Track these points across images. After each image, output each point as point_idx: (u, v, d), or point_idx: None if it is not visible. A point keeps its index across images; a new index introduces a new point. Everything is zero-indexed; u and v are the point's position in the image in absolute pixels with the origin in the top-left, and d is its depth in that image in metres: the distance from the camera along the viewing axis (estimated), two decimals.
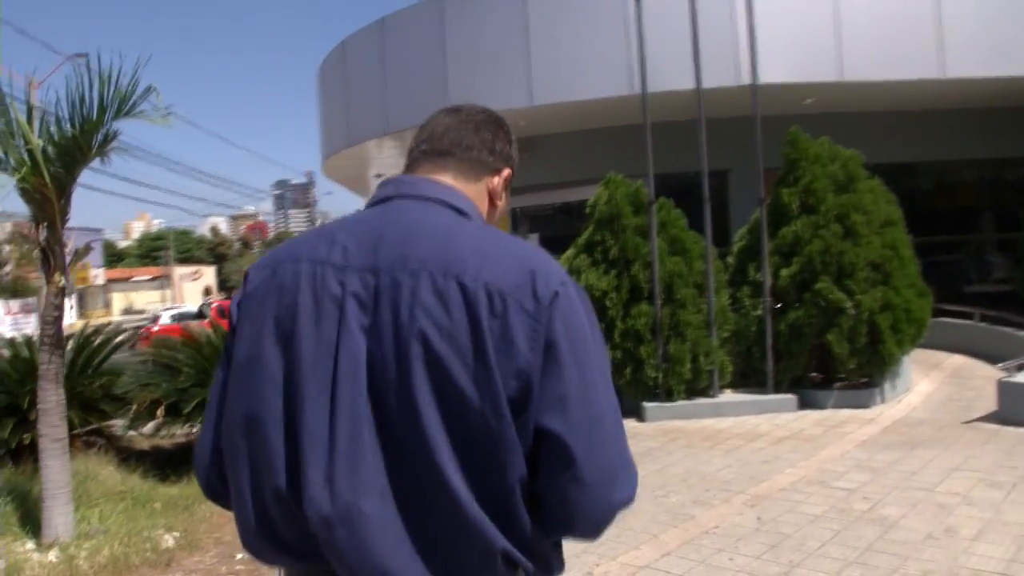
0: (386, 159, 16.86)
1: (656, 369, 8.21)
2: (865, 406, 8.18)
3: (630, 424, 8.03)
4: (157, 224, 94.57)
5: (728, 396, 8.43)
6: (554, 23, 10.84)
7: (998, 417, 7.26)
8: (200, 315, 28.09)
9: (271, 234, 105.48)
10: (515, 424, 1.15)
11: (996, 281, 14.56)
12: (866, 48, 10.38)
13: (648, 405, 8.20)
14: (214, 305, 30.41)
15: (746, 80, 9.52)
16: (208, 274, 75.39)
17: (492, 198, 1.48)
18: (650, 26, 9.35)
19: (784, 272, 8.39)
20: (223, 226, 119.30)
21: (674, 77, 9.94)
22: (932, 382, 9.20)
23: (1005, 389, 7.27)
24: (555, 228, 14.75)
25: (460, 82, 11.59)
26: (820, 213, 8.45)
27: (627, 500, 1.21)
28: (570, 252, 9.17)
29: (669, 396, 8.24)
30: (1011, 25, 10.64)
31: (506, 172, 1.49)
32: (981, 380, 9.18)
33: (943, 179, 14.72)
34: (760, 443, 6.89)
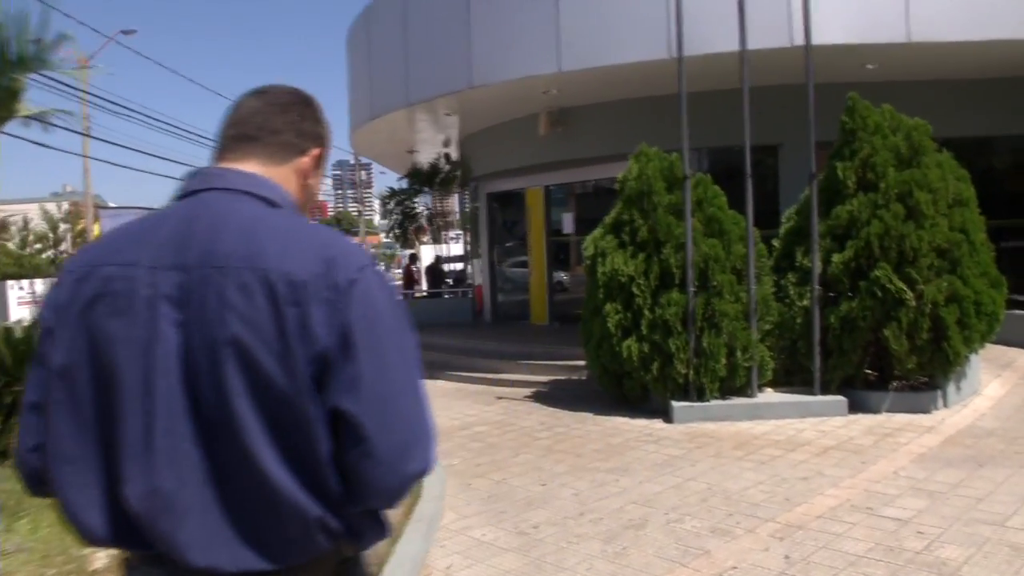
0: (416, 132, 16.24)
1: (687, 365, 7.48)
2: (925, 411, 7.33)
3: (655, 426, 7.32)
4: None
5: (768, 396, 7.65)
6: None
7: None
8: None
9: (331, 214, 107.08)
10: (320, 403, 1.26)
11: None
12: (937, 4, 9.35)
13: (677, 405, 7.47)
14: None
15: (799, 41, 8.64)
16: None
17: (304, 179, 1.51)
18: None
19: (836, 257, 7.55)
20: None
21: (717, 38, 9.11)
22: (1004, 384, 8.27)
23: None
24: (591, 208, 13.99)
25: (484, 48, 10.86)
26: (880, 191, 7.58)
27: (420, 472, 1.32)
28: (597, 232, 8.46)
29: (701, 395, 7.50)
30: None
31: (315, 151, 1.52)
32: None
33: (1020, 156, 13.54)
34: (800, 454, 6.12)
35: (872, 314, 7.30)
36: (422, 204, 19.00)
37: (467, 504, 5.37)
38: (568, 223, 14.59)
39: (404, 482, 1.31)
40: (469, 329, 15.09)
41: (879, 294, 7.24)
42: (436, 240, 23.79)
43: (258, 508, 1.27)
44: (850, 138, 8.00)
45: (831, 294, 7.61)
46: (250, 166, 1.43)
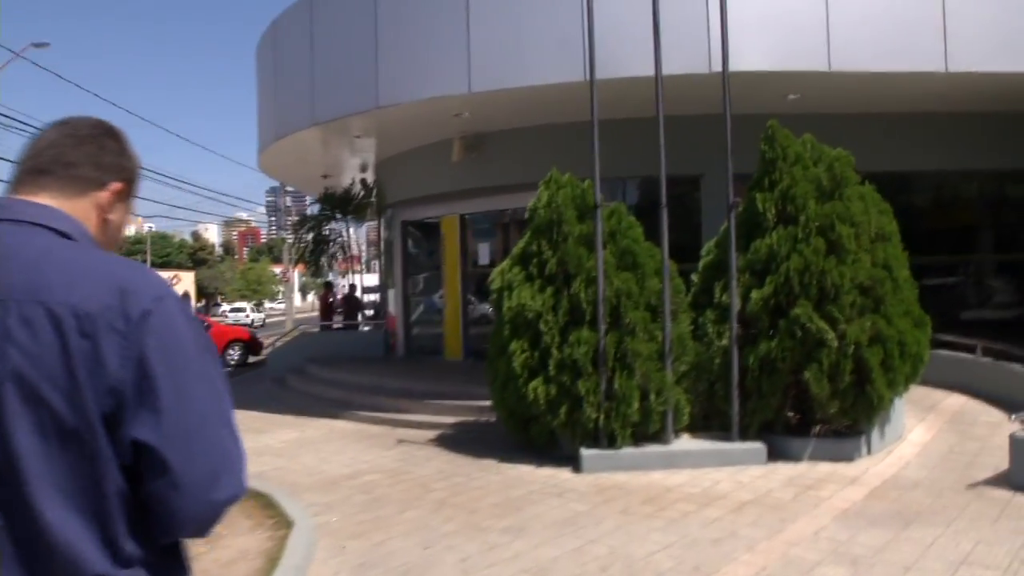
0: (329, 155, 15.57)
1: (597, 409, 6.96)
2: (848, 459, 6.96)
3: (561, 476, 6.76)
4: (148, 228, 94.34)
5: (684, 443, 7.18)
6: (497, 1, 9.59)
7: (1010, 481, 6.05)
8: None
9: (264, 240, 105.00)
10: (113, 439, 1.24)
11: (998, 307, 13.44)
12: (859, 35, 9.19)
13: (586, 453, 6.93)
14: None
15: (717, 67, 8.31)
16: (187, 280, 74.89)
17: (103, 213, 1.46)
18: (602, 1, 8.15)
19: (755, 294, 7.16)
20: (214, 232, 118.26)
21: (633, 62, 8.75)
22: (928, 428, 7.98)
23: (1020, 447, 6.04)
24: (509, 238, 13.52)
25: (392, 66, 10.32)
26: (800, 224, 7.23)
27: (230, 500, 1.32)
28: (504, 264, 7.93)
29: (612, 442, 6.98)
30: (1018, 16, 9.49)
31: (116, 186, 1.47)
32: (985, 427, 7.98)
33: (941, 192, 13.58)
34: (715, 509, 5.62)
35: (792, 355, 6.91)
36: (336, 231, 18.25)
37: (335, 573, 4.70)
38: (485, 253, 14.09)
39: (214, 511, 1.31)
40: (379, 364, 14.39)
41: (799, 334, 6.86)
42: (368, 269, 23.06)
43: (39, 560, 1.23)
44: (770, 168, 7.67)
45: (751, 332, 7.20)
46: (43, 198, 1.40)
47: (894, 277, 7.10)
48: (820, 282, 6.93)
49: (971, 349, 9.59)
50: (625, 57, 8.86)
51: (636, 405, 6.94)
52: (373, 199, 17.33)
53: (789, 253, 7.13)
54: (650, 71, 7.74)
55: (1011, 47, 9.43)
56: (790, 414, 7.41)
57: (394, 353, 15.96)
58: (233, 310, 60.17)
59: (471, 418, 9.66)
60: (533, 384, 7.18)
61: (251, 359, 21.17)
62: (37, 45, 34.01)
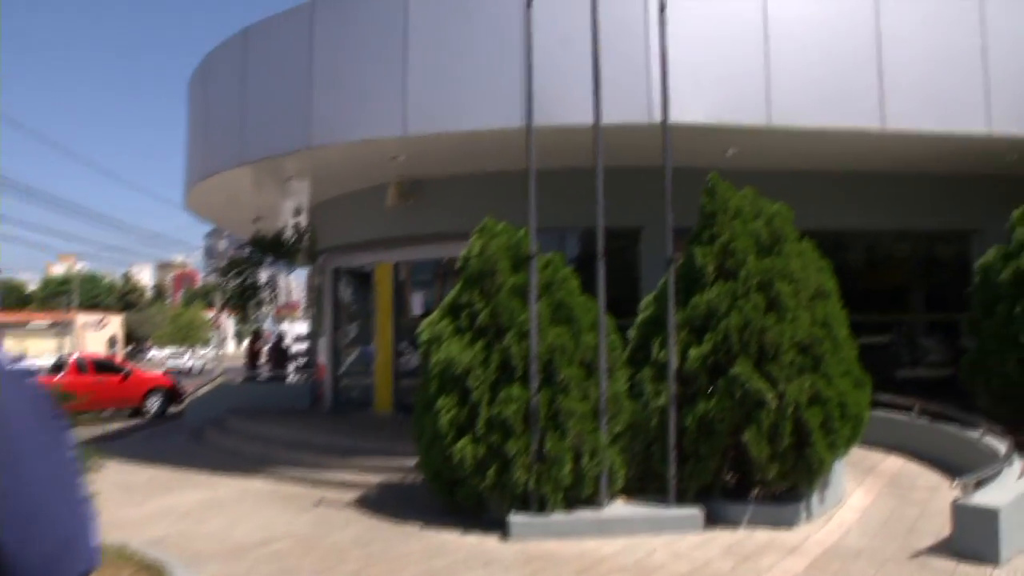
0: (261, 197, 15.09)
1: (528, 471, 6.60)
2: (788, 524, 6.70)
3: (487, 545, 6.35)
4: (80, 267, 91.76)
5: (619, 509, 6.84)
6: (436, 41, 9.39)
7: (952, 549, 5.84)
8: (57, 369, 25.15)
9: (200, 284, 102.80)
10: None
11: (931, 367, 13.53)
12: (798, 92, 9.22)
13: (516, 519, 6.54)
14: (74, 358, 27.59)
15: (657, 118, 8.20)
16: (115, 323, 72.59)
17: None
18: (544, 47, 8.02)
19: (694, 352, 6.93)
20: (148, 274, 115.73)
21: (573, 109, 8.60)
22: (868, 492, 7.79)
23: (962, 514, 5.85)
24: (443, 288, 13.17)
25: (326, 106, 10.01)
26: (740, 279, 7.06)
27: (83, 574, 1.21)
28: (434, 315, 7.58)
29: (543, 507, 6.62)
30: (956, 77, 9.65)
31: None
32: (925, 491, 7.82)
33: (874, 251, 13.73)
34: None
35: (731, 415, 6.67)
36: (266, 276, 17.65)
37: None
38: (419, 303, 13.71)
39: None
40: (304, 418, 13.79)
41: (738, 393, 6.63)
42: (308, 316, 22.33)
43: None
44: (710, 221, 7.51)
45: (690, 391, 6.95)
46: None
47: (834, 336, 6.95)
48: (760, 340, 6.73)
49: (907, 409, 9.50)
50: (565, 105, 8.72)
51: (568, 467, 6.60)
52: (306, 244, 16.84)
53: (729, 309, 6.93)
54: (590, 120, 7.57)
55: (945, 107, 9.56)
56: (728, 476, 7.17)
57: (321, 405, 15.37)
58: (172, 355, 58.34)
59: (397, 478, 9.20)
60: (460, 444, 6.80)
61: (173, 408, 20.26)
62: None
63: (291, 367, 21.83)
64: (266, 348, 21.71)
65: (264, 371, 20.46)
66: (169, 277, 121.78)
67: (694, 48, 8.96)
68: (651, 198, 10.91)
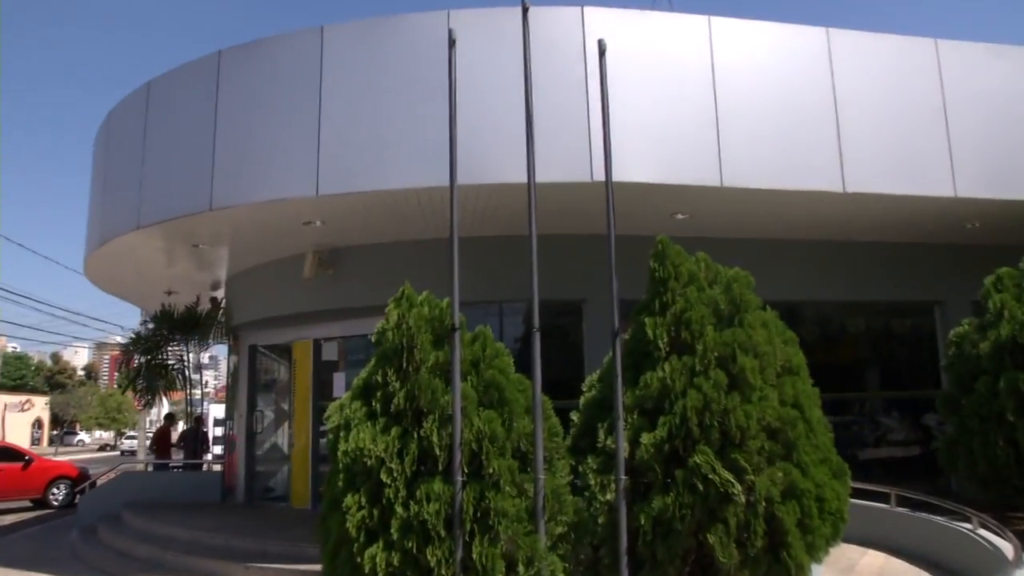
0: (170, 268, 13.99)
1: None
2: None
3: None
4: (12, 349, 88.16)
5: None
6: (353, 94, 8.63)
7: None
8: None
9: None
10: None
11: (894, 445, 12.91)
12: (752, 150, 8.68)
13: None
14: None
15: (599, 176, 7.51)
16: (40, 405, 69.56)
17: None
18: (472, 97, 7.32)
19: (646, 438, 6.07)
20: (85, 355, 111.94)
21: (504, 166, 7.86)
22: None
23: None
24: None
25: (230, 163, 9.17)
26: (697, 354, 6.26)
27: None
28: (344, 397, 6.58)
29: None
30: (918, 137, 9.22)
31: None
32: None
33: (830, 324, 13.18)
34: None
35: (693, 512, 5.77)
36: (177, 356, 16.42)
37: None
38: (340, 385, 12.64)
39: None
40: (211, 513, 12.50)
41: (700, 487, 5.75)
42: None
43: None
44: (660, 289, 6.74)
45: (643, 484, 6.04)
46: None
47: (807, 418, 6.15)
48: (722, 423, 5.90)
49: (882, 496, 8.71)
50: (495, 161, 8.01)
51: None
52: (221, 319, 15.73)
53: (685, 388, 6.11)
54: (523, 178, 6.80)
55: (908, 169, 9.09)
56: None
57: (233, 498, 14.05)
58: (128, 438, 55.83)
59: None
60: (371, 551, 5.73)
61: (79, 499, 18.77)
62: None
63: (210, 454, 20.42)
64: (178, 432, 20.24)
65: (177, 458, 18.99)
66: (105, 358, 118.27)
67: (638, 101, 8.39)
68: (593, 268, 10.21)
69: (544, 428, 6.03)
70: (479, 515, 5.69)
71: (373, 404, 6.19)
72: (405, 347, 6.21)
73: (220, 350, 17.36)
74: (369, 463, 5.88)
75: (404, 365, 6.19)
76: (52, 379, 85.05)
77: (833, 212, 9.72)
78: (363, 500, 5.89)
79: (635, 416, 6.27)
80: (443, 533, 5.64)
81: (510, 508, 5.69)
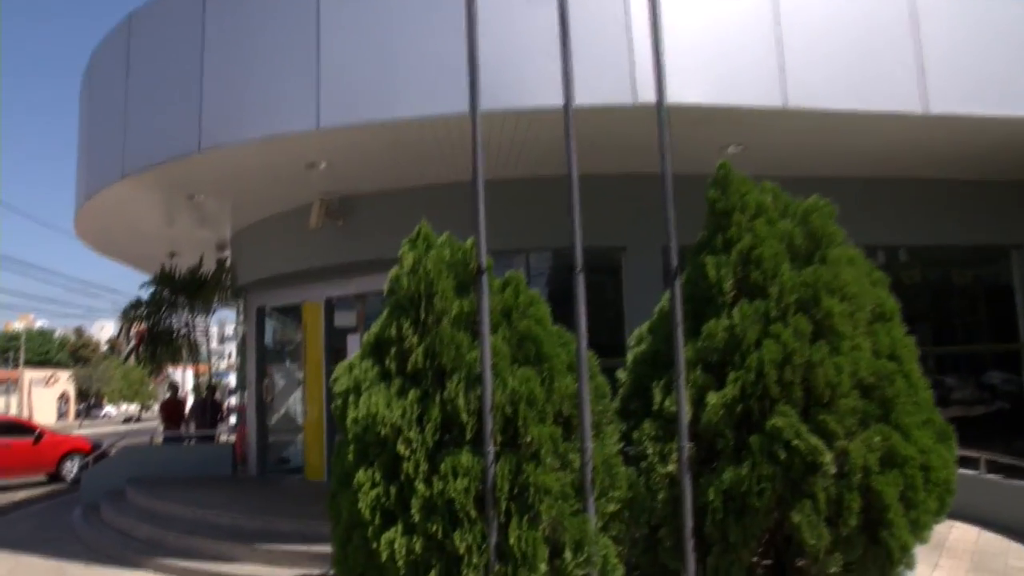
0: (172, 227, 13.25)
1: (484, 574, 4.77)
2: None
3: None
4: (40, 325, 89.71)
5: None
6: (357, 9, 7.71)
7: None
8: None
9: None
10: None
11: (968, 404, 12.00)
12: (820, 67, 7.67)
13: None
14: None
15: (644, 97, 6.61)
16: (64, 379, 70.98)
17: None
18: (494, 9, 6.37)
19: (713, 398, 5.22)
20: (111, 328, 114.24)
21: (535, 88, 6.95)
22: None
23: None
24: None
25: (219, 99, 8.37)
26: (771, 297, 5.38)
27: None
28: (353, 357, 5.78)
29: None
30: (1008, 57, 8.20)
31: None
32: (1018, 573, 6.11)
33: (901, 269, 12.20)
34: None
35: (773, 486, 4.92)
36: (181, 321, 15.70)
37: None
38: (354, 347, 11.85)
39: None
40: (220, 488, 11.85)
41: (781, 455, 4.90)
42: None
43: None
44: (722, 223, 5.84)
45: (710, 453, 5.21)
46: None
47: (905, 372, 5.28)
48: (807, 379, 5.04)
49: (972, 463, 7.84)
50: (526, 83, 7.07)
51: (544, 567, 4.79)
52: (227, 280, 14.98)
53: (759, 338, 5.24)
54: (557, 100, 5.89)
55: (995, 88, 8.08)
56: (766, 562, 5.40)
57: (244, 471, 13.42)
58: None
59: (317, 571, 7.37)
60: (388, 535, 4.96)
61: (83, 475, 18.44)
62: None
63: (224, 425, 19.87)
64: (190, 403, 19.64)
65: (188, 430, 18.41)
66: (133, 332, 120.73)
67: (689, 9, 7.41)
68: (633, 212, 9.33)
69: (589, 386, 5.19)
70: (516, 492, 4.90)
71: (387, 363, 5.39)
72: (423, 295, 5.38)
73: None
74: (383, 432, 5.09)
75: (422, 316, 5.36)
76: (76, 353, 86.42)
77: (909, 140, 8.74)
78: (377, 476, 5.12)
79: (698, 373, 5.42)
80: (473, 514, 4.86)
81: (552, 483, 4.89)
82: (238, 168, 9.29)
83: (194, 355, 16.33)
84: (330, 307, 12.03)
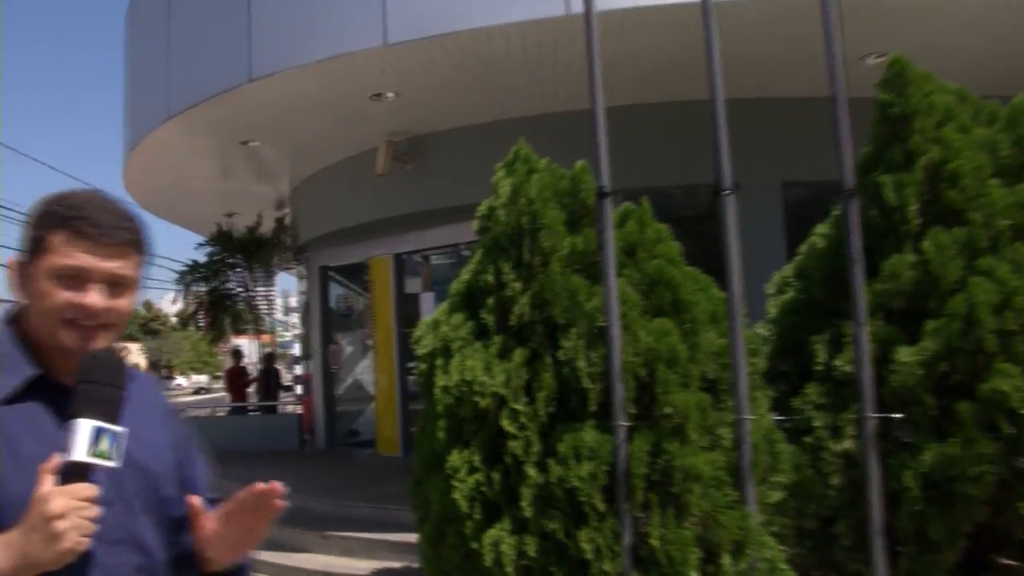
0: (227, 182, 12.55)
1: None
2: None
3: None
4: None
5: None
6: None
7: None
8: None
9: None
10: None
11: None
12: None
13: None
14: None
15: None
16: (136, 351, 73.68)
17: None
18: None
19: (904, 354, 4.17)
20: (180, 301, 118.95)
21: None
22: None
23: None
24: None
25: (270, 21, 7.53)
26: (975, 223, 4.28)
27: None
28: (438, 310, 4.89)
29: None
30: None
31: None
32: None
33: None
34: None
35: (992, 469, 3.86)
36: (238, 282, 15.08)
37: None
38: (428, 307, 11.01)
39: None
40: (283, 464, 11.20)
41: (1005, 428, 3.84)
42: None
43: None
44: (900, 131, 4.73)
45: (901, 422, 4.18)
46: None
47: None
48: None
49: None
50: None
51: (694, 574, 3.83)
52: (287, 238, 14.28)
53: (963, 275, 4.15)
54: None
55: None
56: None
57: (311, 444, 12.78)
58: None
59: (398, 564, 6.58)
60: (492, 533, 4.08)
61: None
62: None
63: (283, 395, 19.40)
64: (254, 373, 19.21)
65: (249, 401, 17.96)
66: (191, 297, 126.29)
67: None
68: (748, 143, 8.28)
69: (743, 341, 4.18)
70: (655, 478, 3.94)
71: (483, 317, 4.46)
72: (526, 230, 4.42)
73: None
74: (482, 403, 4.18)
75: (526, 257, 4.41)
76: (146, 326, 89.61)
77: None
78: (476, 458, 4.22)
79: (877, 322, 4.36)
80: (601, 507, 3.94)
81: (703, 466, 3.92)
82: (294, 103, 8.44)
83: (256, 322, 15.77)
84: (400, 263, 11.20)
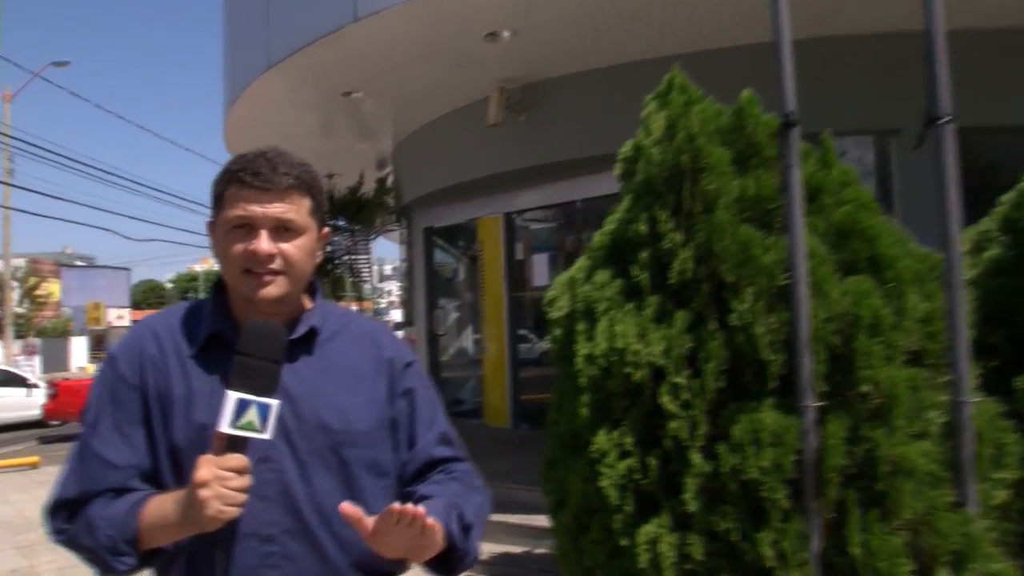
0: (327, 137, 12.24)
1: None
2: None
3: None
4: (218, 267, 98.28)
5: None
6: None
7: None
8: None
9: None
10: None
11: None
12: None
13: None
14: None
15: None
16: None
17: None
18: None
19: None
20: None
21: None
22: None
23: None
24: (580, 246, 9.91)
25: None
26: None
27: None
28: (575, 267, 4.30)
29: None
30: None
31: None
32: None
33: None
34: None
35: None
36: (339, 247, 14.88)
37: None
38: (542, 269, 10.46)
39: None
40: None
41: None
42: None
43: None
44: None
45: None
46: None
47: None
48: None
49: None
50: None
51: None
52: (389, 199, 13.94)
53: None
54: None
55: None
56: None
57: None
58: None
59: (520, 547, 6.12)
60: (647, 530, 3.51)
61: None
62: (57, 64, 32.15)
63: None
64: None
65: None
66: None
67: None
68: (910, 83, 7.45)
69: (963, 305, 3.47)
70: (854, 471, 3.28)
71: (634, 274, 3.84)
72: (686, 171, 3.78)
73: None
74: (636, 376, 3.59)
75: (686, 204, 3.76)
76: None
77: None
78: (627, 440, 3.65)
79: None
80: (785, 504, 3.31)
81: (917, 458, 3.24)
82: (400, 47, 7.98)
83: (357, 288, 15.55)
84: (510, 222, 10.68)
